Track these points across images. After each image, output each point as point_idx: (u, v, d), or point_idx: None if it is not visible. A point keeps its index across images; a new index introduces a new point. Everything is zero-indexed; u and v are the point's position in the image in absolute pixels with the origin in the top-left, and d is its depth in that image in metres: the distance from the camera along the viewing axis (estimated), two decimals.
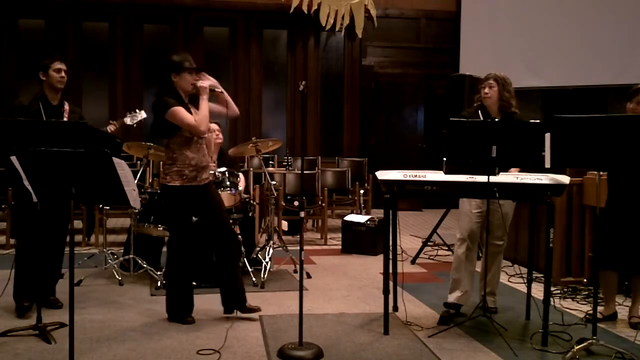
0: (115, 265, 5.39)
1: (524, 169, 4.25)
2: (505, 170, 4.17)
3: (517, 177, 4.00)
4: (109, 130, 4.79)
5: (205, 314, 4.37)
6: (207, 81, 4.20)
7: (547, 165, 3.65)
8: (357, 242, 6.86)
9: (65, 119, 4.43)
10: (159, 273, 5.24)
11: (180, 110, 4.08)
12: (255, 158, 8.23)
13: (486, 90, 4.37)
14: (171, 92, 4.16)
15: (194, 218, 4.36)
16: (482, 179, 3.89)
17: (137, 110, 5.29)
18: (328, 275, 5.82)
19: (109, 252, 5.59)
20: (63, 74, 4.38)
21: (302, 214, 4.00)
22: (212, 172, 4.77)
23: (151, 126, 4.24)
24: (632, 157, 3.54)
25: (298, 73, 10.67)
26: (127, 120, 5.16)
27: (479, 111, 4.43)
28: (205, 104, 4.16)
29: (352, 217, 7.11)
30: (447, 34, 11.07)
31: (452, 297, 4.42)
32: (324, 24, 9.21)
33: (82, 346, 3.69)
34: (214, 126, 5.37)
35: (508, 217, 4.44)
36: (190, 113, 4.14)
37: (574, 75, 9.78)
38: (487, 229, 4.23)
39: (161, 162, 4.56)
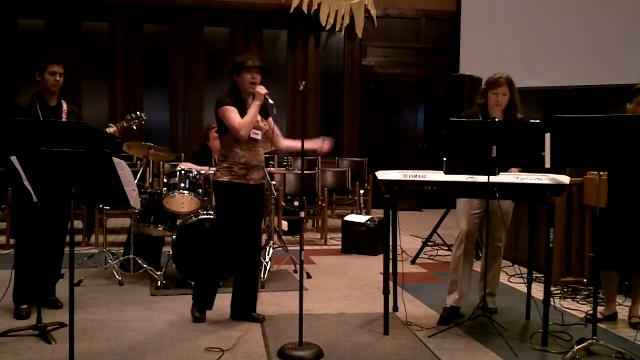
0: (115, 265, 5.39)
1: (524, 169, 4.25)
2: (505, 170, 4.16)
3: (517, 177, 4.00)
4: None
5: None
6: (264, 89, 4.17)
7: (547, 165, 3.65)
8: (357, 242, 6.86)
9: (63, 119, 4.42)
10: (159, 273, 5.24)
11: (229, 110, 4.12)
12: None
13: (499, 98, 4.25)
14: (233, 92, 4.22)
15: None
16: (482, 179, 3.89)
17: (137, 112, 5.28)
18: (328, 275, 5.82)
19: (109, 252, 5.58)
20: (58, 77, 4.37)
21: (302, 214, 4.00)
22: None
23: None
24: (632, 157, 3.54)
25: (298, 73, 10.66)
26: (125, 123, 5.14)
27: (479, 115, 4.36)
28: (253, 109, 4.14)
29: (352, 217, 7.11)
30: (447, 34, 11.06)
31: (450, 300, 4.42)
32: (324, 24, 9.22)
33: (82, 346, 3.69)
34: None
35: (508, 215, 4.43)
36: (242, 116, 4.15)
37: (574, 75, 9.78)
38: (487, 230, 4.23)
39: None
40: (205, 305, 4.32)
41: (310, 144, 4.36)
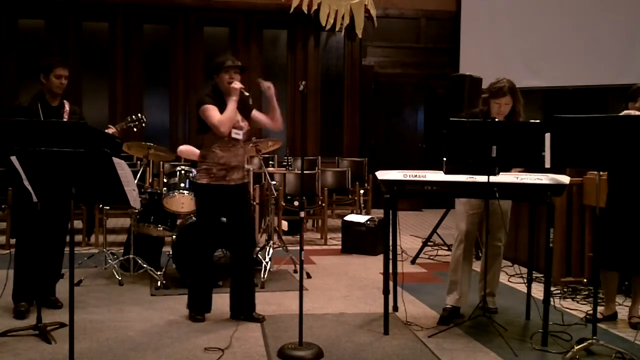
0: (115, 265, 5.39)
1: (525, 169, 4.25)
2: (507, 170, 4.15)
3: (517, 177, 4.00)
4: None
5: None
6: (239, 84, 4.19)
7: (547, 165, 3.64)
8: (357, 242, 6.86)
9: (65, 120, 4.42)
10: (159, 273, 5.24)
11: (209, 109, 4.14)
12: (255, 158, 8.24)
13: (502, 108, 4.23)
14: (214, 92, 4.26)
15: (223, 219, 4.37)
16: (482, 179, 3.89)
17: (138, 115, 5.26)
18: (328, 275, 5.82)
19: (109, 252, 5.58)
20: (63, 80, 4.38)
21: (302, 214, 4.00)
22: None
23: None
24: (632, 157, 3.54)
25: (298, 73, 10.66)
26: (125, 125, 5.13)
27: (480, 118, 4.36)
28: (231, 106, 4.15)
29: (352, 217, 7.11)
30: (447, 34, 11.06)
31: (450, 300, 4.42)
32: (324, 24, 9.21)
33: (82, 346, 3.69)
34: None
35: (507, 216, 4.43)
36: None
37: (574, 75, 9.78)
38: (487, 230, 4.23)
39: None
40: (202, 308, 4.31)
41: (273, 111, 4.40)
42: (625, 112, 4.11)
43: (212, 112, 4.13)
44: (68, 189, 3.21)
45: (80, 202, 5.66)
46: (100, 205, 6.55)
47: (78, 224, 6.90)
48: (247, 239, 4.39)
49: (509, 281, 5.55)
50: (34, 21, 10.22)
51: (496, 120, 4.15)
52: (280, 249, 5.83)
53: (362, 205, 8.67)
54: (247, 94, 4.24)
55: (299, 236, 3.89)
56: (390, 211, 4.21)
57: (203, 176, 4.22)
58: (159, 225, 5.38)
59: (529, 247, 4.53)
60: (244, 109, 4.32)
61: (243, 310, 4.33)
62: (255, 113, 4.44)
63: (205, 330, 4.08)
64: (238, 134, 4.23)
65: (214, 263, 5.02)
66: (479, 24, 10.50)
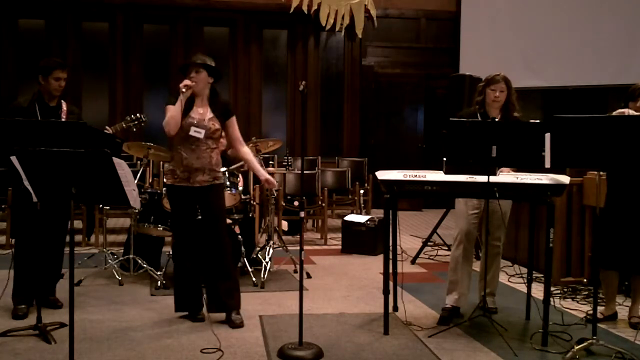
0: (115, 265, 5.39)
1: (525, 168, 4.25)
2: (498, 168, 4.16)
3: (517, 177, 4.00)
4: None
5: (205, 314, 4.36)
6: (186, 81, 4.13)
7: (547, 165, 3.65)
8: (357, 242, 6.86)
9: (63, 120, 4.42)
10: (159, 273, 5.24)
11: (167, 109, 4.15)
12: (255, 158, 8.23)
13: (497, 94, 4.30)
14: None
15: (199, 217, 4.36)
16: (482, 179, 3.89)
17: (137, 114, 5.24)
18: (328, 275, 5.82)
19: (109, 252, 5.58)
20: (62, 82, 4.38)
21: (302, 214, 4.00)
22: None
23: None
24: (632, 157, 3.54)
25: (298, 73, 10.66)
26: (125, 125, 5.12)
27: (478, 114, 4.38)
28: (176, 105, 4.11)
29: (352, 217, 7.11)
30: (447, 34, 11.06)
31: (450, 300, 4.42)
32: (324, 24, 9.21)
33: (82, 346, 3.69)
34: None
35: (506, 216, 4.44)
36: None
37: (574, 75, 9.78)
38: (487, 230, 4.23)
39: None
40: (187, 307, 4.30)
41: (257, 169, 4.47)
42: (619, 111, 4.09)
43: (167, 114, 4.15)
44: (68, 189, 3.21)
45: (80, 202, 5.65)
46: (100, 205, 6.55)
47: (78, 224, 6.90)
48: (216, 241, 4.23)
49: (509, 281, 5.55)
50: (34, 21, 10.22)
51: (496, 120, 4.17)
52: (280, 249, 5.83)
53: (362, 205, 8.68)
54: (184, 90, 4.09)
55: (299, 236, 3.89)
56: (390, 211, 4.21)
57: (168, 177, 4.26)
58: (159, 225, 5.37)
59: (529, 247, 4.53)
60: (221, 109, 4.24)
61: (219, 307, 4.27)
62: (232, 125, 4.30)
63: (205, 330, 4.08)
64: (198, 132, 4.12)
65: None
66: (479, 24, 10.50)
